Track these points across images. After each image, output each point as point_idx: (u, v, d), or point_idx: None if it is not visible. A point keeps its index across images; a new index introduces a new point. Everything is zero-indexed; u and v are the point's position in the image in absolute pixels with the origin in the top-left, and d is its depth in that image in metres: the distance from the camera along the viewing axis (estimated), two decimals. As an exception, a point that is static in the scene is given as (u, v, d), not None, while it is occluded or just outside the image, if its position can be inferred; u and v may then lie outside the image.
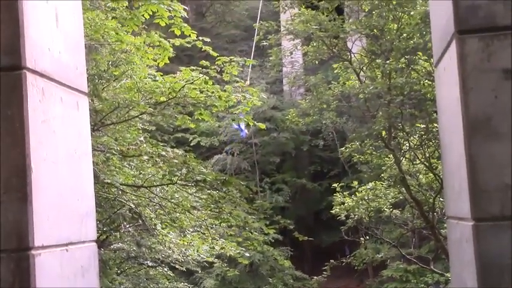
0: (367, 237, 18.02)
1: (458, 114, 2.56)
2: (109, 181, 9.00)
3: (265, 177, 26.38)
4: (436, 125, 12.72)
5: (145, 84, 9.44)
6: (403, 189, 14.03)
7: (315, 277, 22.38)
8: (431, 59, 12.62)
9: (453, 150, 2.79)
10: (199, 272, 17.82)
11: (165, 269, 14.38)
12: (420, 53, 12.96)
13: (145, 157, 9.61)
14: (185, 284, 16.20)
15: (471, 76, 2.51)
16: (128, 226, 12.10)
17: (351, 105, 14.67)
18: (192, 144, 21.92)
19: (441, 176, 12.38)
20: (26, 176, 2.57)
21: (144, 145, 9.79)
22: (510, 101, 2.47)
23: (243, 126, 19.79)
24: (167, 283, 14.67)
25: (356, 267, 21.47)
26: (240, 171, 25.13)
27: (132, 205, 10.30)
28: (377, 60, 12.61)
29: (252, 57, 20.83)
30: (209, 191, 10.14)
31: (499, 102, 2.48)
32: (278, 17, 25.01)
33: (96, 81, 9.41)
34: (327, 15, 13.46)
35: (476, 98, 2.49)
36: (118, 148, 9.38)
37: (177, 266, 13.88)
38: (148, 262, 13.87)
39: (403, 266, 22.77)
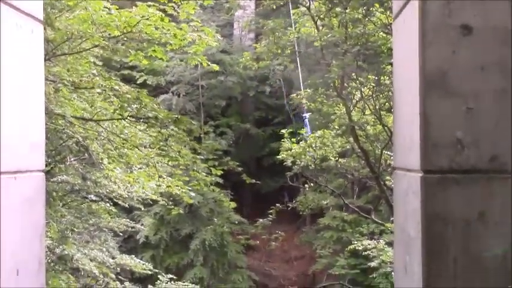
0: (311, 184, 18.18)
1: (415, 68, 2.58)
2: (59, 112, 8.86)
3: (210, 120, 26.34)
4: (387, 77, 12.80)
5: (101, 16, 9.25)
6: (351, 139, 14.15)
7: (260, 219, 22.62)
8: (388, 12, 12.65)
9: (407, 103, 2.82)
10: (142, 209, 17.84)
11: (107, 205, 14.33)
12: (377, 5, 12.96)
13: (98, 90, 9.45)
14: (127, 220, 16.21)
15: (431, 30, 2.53)
16: (73, 159, 11.98)
17: (306, 52, 14.63)
18: (138, 82, 21.56)
19: (390, 128, 12.52)
20: (-24, 101, 2.52)
21: (97, 78, 9.63)
22: (466, 57, 2.51)
23: (308, 127, 19.90)
24: (109, 218, 14.65)
25: (301, 213, 21.77)
26: (185, 113, 24.96)
27: (79, 138, 10.18)
28: (337, 9, 12.57)
29: None
30: (159, 129, 10.07)
31: (456, 57, 2.51)
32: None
33: (49, 10, 9.18)
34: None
35: (435, 52, 2.52)
36: (70, 79, 9.21)
37: (119, 202, 13.84)
38: (92, 196, 13.79)
39: (344, 214, 23.18)
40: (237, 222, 24.49)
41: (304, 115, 20.99)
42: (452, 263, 2.49)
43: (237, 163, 13.08)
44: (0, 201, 2.72)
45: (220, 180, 11.94)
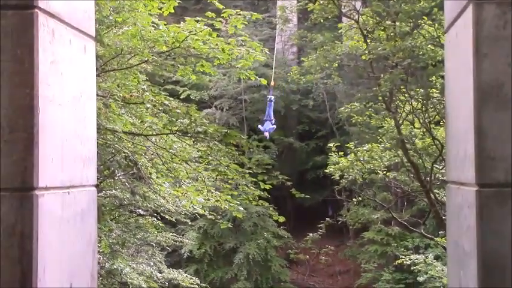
0: (359, 198, 18.07)
1: (469, 81, 2.54)
2: (111, 127, 8.96)
3: (253, 134, 26.38)
4: (435, 90, 12.68)
5: (149, 32, 9.34)
6: (399, 152, 14.03)
7: (310, 234, 22.53)
8: (436, 24, 12.54)
9: (460, 115, 2.78)
10: (189, 223, 17.88)
11: (155, 219, 14.41)
12: (425, 17, 12.86)
13: (148, 105, 9.54)
14: (173, 234, 16.28)
15: (486, 43, 2.49)
16: (121, 173, 12.09)
17: (357, 66, 14.54)
18: (181, 97, 21.62)
19: (441, 141, 12.37)
20: (33, 117, 2.55)
21: (147, 93, 9.72)
22: (523, 70, 2.46)
23: (267, 127, 19.80)
24: (156, 232, 14.73)
25: (351, 227, 21.60)
26: (228, 127, 25.07)
27: (128, 152, 10.28)
28: (387, 22, 12.49)
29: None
30: (208, 144, 10.10)
31: (512, 70, 2.46)
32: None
33: (98, 26, 9.30)
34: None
35: (490, 65, 2.47)
36: (121, 94, 9.31)
37: (166, 217, 13.90)
38: (140, 211, 13.89)
39: (388, 228, 22.97)
40: (286, 236, 24.44)
41: (269, 96, 20.48)
42: (509, 279, 2.43)
43: (286, 177, 13.01)
44: (54, 215, 2.75)
45: (263, 194, 11.88)
